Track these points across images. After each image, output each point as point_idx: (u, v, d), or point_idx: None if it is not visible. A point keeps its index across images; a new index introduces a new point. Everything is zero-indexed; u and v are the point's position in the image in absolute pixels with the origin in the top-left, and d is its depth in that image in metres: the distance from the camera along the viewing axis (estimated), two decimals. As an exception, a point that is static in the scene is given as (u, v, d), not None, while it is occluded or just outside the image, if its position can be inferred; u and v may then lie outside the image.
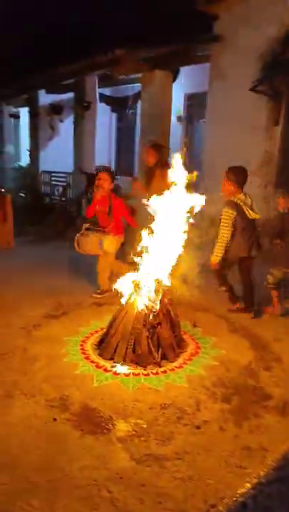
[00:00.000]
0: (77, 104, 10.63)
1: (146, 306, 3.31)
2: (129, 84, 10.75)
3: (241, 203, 4.09)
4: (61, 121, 12.38)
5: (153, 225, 3.42)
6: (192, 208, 3.37)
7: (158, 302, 3.35)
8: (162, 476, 2.16)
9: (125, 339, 3.28)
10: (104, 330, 3.57)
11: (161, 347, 3.32)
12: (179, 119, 10.81)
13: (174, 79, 8.60)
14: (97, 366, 3.22)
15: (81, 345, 3.57)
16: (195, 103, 10.50)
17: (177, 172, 3.39)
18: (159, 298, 3.36)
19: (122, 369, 3.17)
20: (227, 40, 6.93)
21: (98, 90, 10.77)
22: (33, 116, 12.40)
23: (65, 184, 10.87)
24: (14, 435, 2.43)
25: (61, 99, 12.01)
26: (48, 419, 2.57)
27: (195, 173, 3.43)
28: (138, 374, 3.12)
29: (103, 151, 12.67)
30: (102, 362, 3.28)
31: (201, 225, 4.18)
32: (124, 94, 11.82)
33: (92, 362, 3.29)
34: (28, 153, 13.08)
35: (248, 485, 2.10)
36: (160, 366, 3.23)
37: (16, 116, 14.98)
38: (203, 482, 2.12)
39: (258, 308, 4.40)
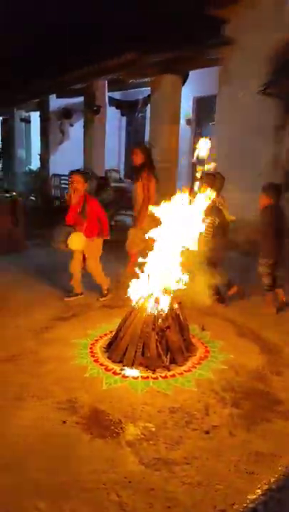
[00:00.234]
0: (87, 108, 10.70)
1: (156, 311, 3.31)
2: (139, 88, 10.80)
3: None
4: (71, 125, 12.49)
5: (160, 230, 3.42)
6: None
7: (167, 306, 3.35)
8: (171, 480, 2.15)
9: (134, 342, 3.28)
10: (114, 333, 3.58)
11: (170, 350, 3.31)
12: (188, 122, 10.83)
13: (183, 82, 8.61)
14: (106, 369, 3.23)
15: (90, 347, 3.58)
16: (204, 106, 10.51)
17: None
18: (168, 302, 3.36)
19: (130, 372, 3.18)
20: (236, 44, 6.95)
21: (108, 94, 10.85)
22: (44, 120, 12.53)
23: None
24: (24, 437, 2.45)
25: (71, 104, 12.13)
26: (57, 422, 2.58)
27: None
28: (147, 377, 3.12)
29: (113, 154, 12.74)
30: (111, 365, 3.28)
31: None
32: (134, 98, 11.89)
33: (101, 365, 3.30)
34: (39, 157, 13.21)
35: (259, 491, 2.08)
36: (169, 370, 3.22)
37: (27, 121, 15.15)
38: (213, 487, 2.11)
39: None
